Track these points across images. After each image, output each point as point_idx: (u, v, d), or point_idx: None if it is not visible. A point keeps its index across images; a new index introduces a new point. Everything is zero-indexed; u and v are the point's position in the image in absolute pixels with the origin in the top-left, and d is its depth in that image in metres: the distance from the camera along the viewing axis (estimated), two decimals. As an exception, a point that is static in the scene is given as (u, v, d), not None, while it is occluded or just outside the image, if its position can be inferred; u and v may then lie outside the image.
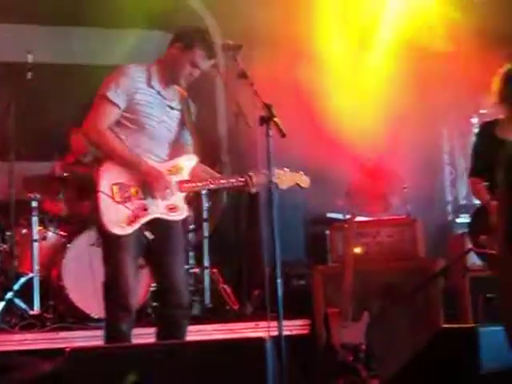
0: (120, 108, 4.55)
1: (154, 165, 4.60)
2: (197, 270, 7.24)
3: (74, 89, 7.89)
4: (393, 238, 6.44)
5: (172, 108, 4.73)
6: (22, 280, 6.60)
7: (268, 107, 4.21)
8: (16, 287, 6.50)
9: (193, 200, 7.23)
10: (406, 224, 6.48)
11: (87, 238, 6.50)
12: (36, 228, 6.64)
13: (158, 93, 4.65)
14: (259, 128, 4.28)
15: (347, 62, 8.16)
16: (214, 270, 7.24)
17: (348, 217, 6.15)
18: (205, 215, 7.24)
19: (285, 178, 4.80)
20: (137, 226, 4.48)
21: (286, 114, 4.50)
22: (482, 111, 8.83)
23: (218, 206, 8.24)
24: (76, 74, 8.01)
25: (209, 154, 7.83)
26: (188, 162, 4.74)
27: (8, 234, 6.72)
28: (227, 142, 8.47)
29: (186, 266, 7.18)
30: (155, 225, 4.57)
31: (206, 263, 7.23)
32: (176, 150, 4.79)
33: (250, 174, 4.65)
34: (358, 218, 6.17)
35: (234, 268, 7.28)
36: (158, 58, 4.78)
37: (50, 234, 6.81)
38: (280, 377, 3.74)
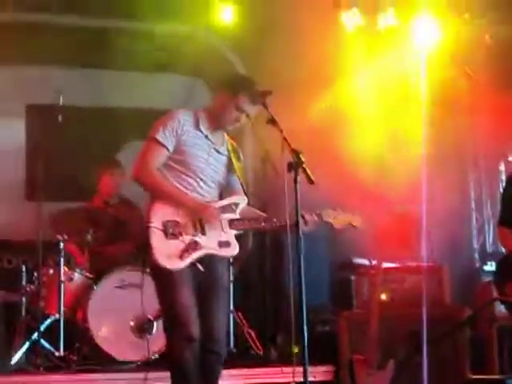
0: (169, 150, 4.69)
1: (201, 200, 4.71)
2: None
3: (102, 131, 8.00)
4: (419, 284, 6.40)
5: (219, 152, 4.87)
6: (48, 321, 6.62)
7: (296, 154, 4.24)
8: (42, 328, 6.51)
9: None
10: (433, 271, 6.44)
11: (113, 279, 6.53)
12: (63, 269, 6.67)
13: (206, 137, 4.79)
14: (287, 174, 4.30)
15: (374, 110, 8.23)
16: (239, 314, 7.22)
17: (374, 263, 6.13)
18: (230, 259, 7.24)
19: (338, 218, 4.98)
20: (188, 261, 4.55)
21: (311, 158, 4.53)
22: (510, 159, 8.84)
23: (244, 249, 8.24)
24: (104, 116, 8.11)
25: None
26: (239, 202, 4.87)
27: (35, 274, 6.75)
28: (253, 187, 8.48)
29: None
30: (206, 262, 4.63)
31: (231, 307, 7.22)
32: (225, 194, 4.93)
33: (302, 213, 4.67)
34: (385, 264, 6.14)
35: (259, 312, 7.26)
36: (206, 106, 4.93)
37: (77, 276, 6.82)
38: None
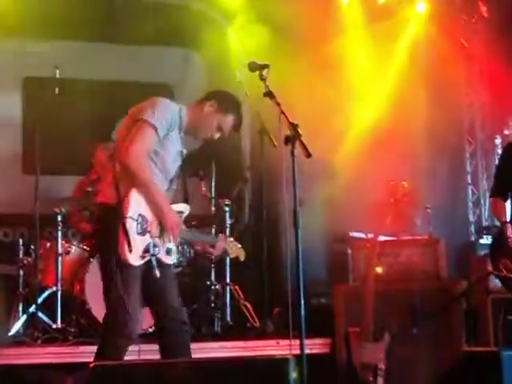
0: (159, 139, 4.62)
1: (172, 208, 4.70)
2: (218, 287, 7.26)
3: (100, 105, 7.98)
4: (415, 258, 6.42)
5: (181, 154, 4.85)
6: (45, 293, 6.65)
7: (294, 127, 4.21)
8: (39, 300, 6.54)
9: (215, 217, 7.27)
10: (428, 244, 6.47)
11: (110, 252, 6.54)
12: (60, 242, 6.68)
13: (181, 137, 4.79)
14: (284, 147, 4.28)
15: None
16: (236, 287, 7.26)
17: (370, 236, 6.14)
18: (227, 232, 7.26)
19: (233, 249, 5.31)
20: (146, 259, 4.52)
21: (311, 128, 4.55)
22: (506, 132, 8.86)
23: (240, 222, 8.27)
24: (102, 90, 8.08)
25: (231, 171, 7.93)
26: (185, 211, 4.90)
27: (32, 247, 6.77)
28: (250, 160, 8.50)
29: (208, 282, 7.23)
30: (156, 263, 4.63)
31: (227, 280, 7.25)
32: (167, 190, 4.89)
33: (220, 237, 5.13)
34: (381, 238, 6.15)
35: (255, 285, 7.29)
36: (190, 104, 4.88)
37: (74, 249, 6.84)
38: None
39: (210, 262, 7.28)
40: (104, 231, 4.55)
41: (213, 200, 7.43)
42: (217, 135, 4.88)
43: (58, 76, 6.73)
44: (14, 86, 8.09)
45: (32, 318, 6.50)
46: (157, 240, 4.58)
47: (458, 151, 8.94)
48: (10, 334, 6.43)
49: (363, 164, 7.61)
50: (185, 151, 4.86)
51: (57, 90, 6.68)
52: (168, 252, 4.69)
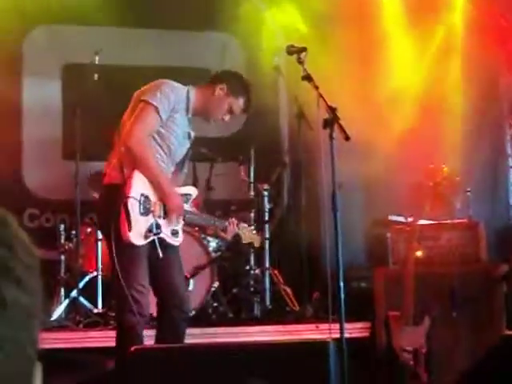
0: (163, 121, 4.63)
1: (175, 189, 4.71)
2: (257, 271, 7.27)
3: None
4: (454, 241, 6.39)
5: (189, 137, 4.86)
6: (86, 278, 6.72)
7: (332, 110, 4.21)
8: (80, 285, 6.61)
9: (254, 202, 7.28)
10: (468, 228, 6.42)
11: (150, 237, 6.58)
12: (99, 225, 6.73)
13: (188, 119, 4.79)
14: (322, 130, 4.28)
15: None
16: (275, 271, 7.27)
17: (410, 220, 6.12)
18: (266, 217, 7.27)
19: (246, 234, 5.19)
20: (150, 239, 4.54)
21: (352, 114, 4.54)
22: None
23: (279, 207, 8.27)
24: (142, 76, 8.10)
25: (270, 155, 7.93)
26: (192, 193, 4.93)
27: (73, 232, 6.84)
28: (288, 144, 8.49)
29: (247, 267, 7.26)
30: (160, 243, 4.64)
31: (267, 264, 7.26)
32: (176, 174, 4.92)
33: (230, 220, 4.97)
34: (420, 221, 6.12)
35: (295, 270, 7.29)
36: (200, 86, 4.88)
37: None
38: (342, 380, 3.75)
39: (248, 245, 7.30)
40: (106, 210, 4.60)
41: (252, 185, 7.44)
42: (227, 118, 4.88)
43: (97, 62, 6.77)
44: (54, 72, 8.14)
45: (74, 302, 6.57)
46: (160, 220, 4.60)
47: (498, 133, 8.85)
48: (52, 318, 6.51)
49: (403, 147, 7.57)
50: (193, 133, 4.86)
51: (96, 76, 6.72)
52: (174, 233, 4.72)
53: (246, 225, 5.26)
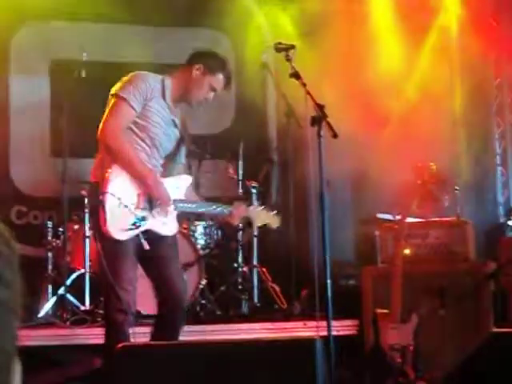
0: (136, 112, 4.57)
1: (160, 179, 4.64)
2: (245, 269, 7.27)
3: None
4: (442, 239, 6.39)
5: (175, 125, 4.79)
6: (74, 275, 6.70)
7: (320, 107, 4.20)
8: (68, 282, 6.58)
9: (242, 199, 7.27)
10: (457, 226, 6.43)
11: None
12: (88, 224, 6.72)
13: (168, 106, 4.70)
14: (310, 128, 4.27)
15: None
16: (263, 269, 7.26)
17: (398, 218, 6.12)
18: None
19: (260, 216, 5.04)
20: (134, 233, 4.50)
21: (339, 113, 4.52)
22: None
23: (268, 204, 8.26)
24: (130, 72, 8.08)
25: (258, 153, 7.92)
26: (185, 183, 4.85)
27: (60, 229, 6.82)
28: (277, 142, 8.48)
29: (235, 265, 7.25)
30: (148, 235, 4.59)
31: (255, 262, 7.26)
32: (168, 165, 4.85)
33: (235, 204, 4.86)
34: (408, 219, 6.13)
35: (283, 267, 7.29)
36: (172, 73, 4.84)
37: (102, 230, 6.87)
38: (329, 377, 3.75)
39: (237, 243, 7.29)
40: (90, 208, 4.65)
41: (240, 182, 7.43)
42: (210, 96, 4.80)
43: (85, 59, 6.74)
44: (42, 69, 8.12)
45: (61, 299, 6.55)
46: (145, 212, 4.54)
47: (487, 132, 8.87)
48: (39, 315, 6.49)
49: (391, 145, 7.58)
50: (177, 120, 4.79)
51: (83, 72, 6.70)
52: (164, 224, 4.65)
53: (261, 207, 5.16)
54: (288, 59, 4.50)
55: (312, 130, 4.24)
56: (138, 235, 4.52)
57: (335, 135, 4.16)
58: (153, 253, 4.60)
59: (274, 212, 5.15)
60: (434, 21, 8.58)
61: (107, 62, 7.99)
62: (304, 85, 4.32)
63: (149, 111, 4.59)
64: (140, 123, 4.59)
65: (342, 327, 6.28)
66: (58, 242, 6.84)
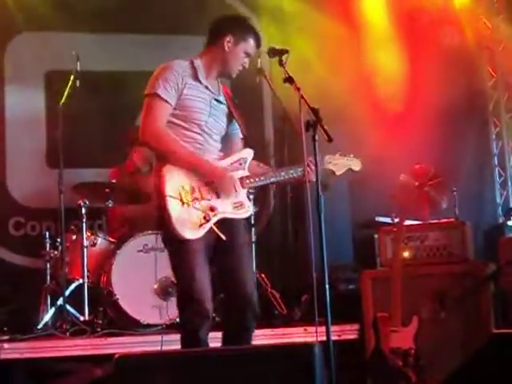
0: (171, 105, 4.45)
1: (214, 162, 4.50)
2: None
3: (122, 96, 7.98)
4: (441, 241, 6.38)
5: (219, 102, 4.64)
6: (73, 286, 6.67)
7: (315, 112, 4.17)
8: (66, 293, 6.56)
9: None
10: (455, 227, 6.41)
11: (136, 243, 6.55)
12: (86, 234, 6.70)
13: (206, 87, 4.56)
14: (305, 133, 4.23)
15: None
16: (262, 275, 7.24)
17: (397, 220, 6.10)
18: (252, 220, 7.23)
19: (339, 164, 4.78)
20: (207, 227, 4.36)
21: (334, 117, 4.50)
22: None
23: (266, 210, 8.24)
24: (125, 81, 8.08)
25: (255, 157, 7.89)
26: (246, 157, 4.64)
27: (58, 240, 6.80)
28: (274, 146, 8.47)
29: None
30: (221, 225, 4.44)
31: (254, 268, 7.23)
32: (226, 144, 4.70)
33: (309, 161, 4.43)
34: (407, 222, 6.11)
35: (282, 273, 7.28)
36: (204, 50, 4.71)
37: (100, 240, 6.86)
38: (329, 382, 3.73)
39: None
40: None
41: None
42: (247, 63, 4.65)
43: (79, 69, 6.73)
44: (37, 79, 8.11)
45: (60, 310, 6.53)
46: (213, 201, 4.42)
47: (483, 133, 8.88)
48: (38, 327, 6.47)
49: (388, 148, 7.57)
50: (221, 97, 4.64)
51: (78, 82, 6.69)
52: (236, 207, 4.50)
53: (332, 155, 4.81)
54: (281, 64, 4.46)
55: (307, 134, 4.21)
56: (212, 229, 4.37)
57: (330, 139, 4.13)
58: (227, 245, 4.44)
59: (351, 155, 4.90)
60: (429, 20, 8.58)
61: (102, 71, 7.98)
62: (298, 89, 4.29)
63: (186, 100, 4.48)
64: (181, 114, 4.48)
65: (342, 332, 6.27)
66: (56, 252, 6.81)
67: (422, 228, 6.44)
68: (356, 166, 4.91)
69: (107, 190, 6.90)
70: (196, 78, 4.55)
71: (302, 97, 4.23)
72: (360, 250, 7.68)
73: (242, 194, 4.55)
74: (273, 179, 4.65)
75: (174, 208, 4.30)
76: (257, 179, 4.61)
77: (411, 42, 8.39)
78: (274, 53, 4.52)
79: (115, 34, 8.25)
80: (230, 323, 4.61)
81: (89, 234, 6.78)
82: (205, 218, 4.35)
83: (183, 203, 4.34)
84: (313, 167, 4.37)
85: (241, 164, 4.61)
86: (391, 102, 8.19)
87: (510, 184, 8.91)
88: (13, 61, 8.06)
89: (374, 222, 7.41)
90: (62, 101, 6.70)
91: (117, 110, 7.94)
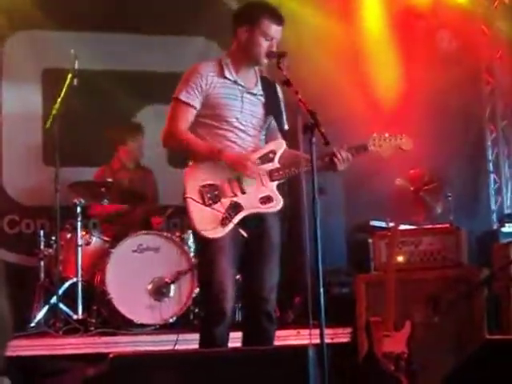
0: (195, 108, 4.48)
1: (238, 153, 4.46)
2: (238, 277, 7.23)
3: (118, 95, 7.98)
4: (436, 246, 6.38)
5: (253, 94, 4.60)
6: (66, 285, 6.67)
7: (313, 115, 4.17)
8: (60, 291, 6.55)
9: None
10: (450, 232, 6.42)
11: (130, 243, 6.55)
12: (80, 233, 6.70)
13: (235, 82, 4.54)
14: (302, 135, 4.22)
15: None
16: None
17: (391, 225, 6.11)
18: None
19: (385, 145, 4.63)
20: (230, 226, 4.35)
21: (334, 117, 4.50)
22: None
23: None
24: (120, 80, 8.08)
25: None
26: (276, 148, 4.56)
27: (53, 238, 6.79)
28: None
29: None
30: (250, 221, 4.43)
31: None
32: (266, 137, 4.67)
33: (335, 150, 4.40)
34: (402, 227, 6.12)
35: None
36: (229, 49, 4.69)
37: (94, 239, 6.87)
38: (322, 385, 3.73)
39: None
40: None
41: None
42: (272, 45, 4.50)
43: (76, 67, 6.73)
44: (34, 77, 8.10)
45: (53, 309, 6.51)
46: (239, 198, 4.40)
47: (479, 139, 8.89)
48: (31, 325, 6.47)
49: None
50: (255, 89, 4.59)
51: (75, 81, 6.69)
52: (264, 201, 4.46)
53: (378, 135, 4.66)
54: (279, 66, 4.46)
55: (304, 137, 4.20)
56: (236, 228, 4.36)
57: (327, 143, 4.14)
58: (257, 243, 4.45)
59: (402, 135, 4.73)
60: (425, 27, 8.60)
61: (99, 70, 7.98)
62: (296, 92, 4.29)
63: (214, 98, 4.48)
64: (211, 114, 4.49)
65: (335, 335, 6.27)
66: (50, 250, 6.80)
67: (417, 233, 6.45)
68: (407, 145, 4.71)
69: (103, 188, 6.93)
70: (222, 75, 4.53)
71: (300, 100, 4.24)
72: (354, 253, 7.68)
73: (271, 187, 4.49)
74: (301, 170, 4.44)
75: (194, 209, 4.34)
76: (287, 170, 4.52)
77: (408, 47, 8.40)
78: (272, 55, 4.52)
79: (113, 34, 8.24)
80: (247, 323, 4.68)
81: (83, 232, 6.79)
82: (229, 215, 4.34)
83: (203, 203, 4.35)
84: (339, 156, 4.40)
85: (270, 156, 4.53)
86: (387, 107, 8.20)
87: (504, 190, 8.92)
88: (10, 59, 8.04)
89: (368, 226, 7.41)
90: (59, 99, 6.69)
91: (114, 109, 7.94)
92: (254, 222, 4.47)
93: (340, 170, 4.49)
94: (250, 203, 4.42)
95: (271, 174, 4.50)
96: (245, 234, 4.38)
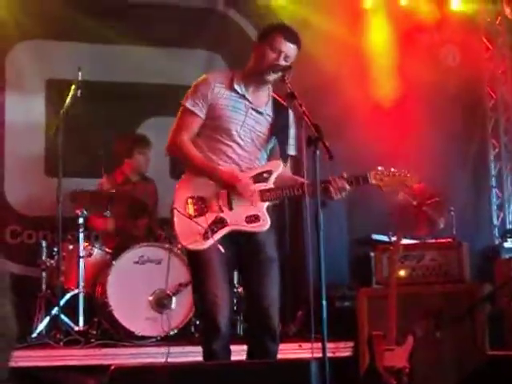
0: (200, 117, 4.47)
1: (231, 171, 4.43)
2: (240, 290, 7.22)
3: (121, 107, 7.99)
4: (438, 261, 6.38)
5: (259, 112, 4.56)
6: (68, 296, 6.66)
7: (317, 128, 4.15)
8: (61, 303, 6.54)
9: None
10: (452, 247, 6.42)
11: (132, 255, 6.55)
12: (82, 244, 6.70)
13: (243, 96, 4.51)
14: (305, 148, 4.21)
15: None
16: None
17: (394, 239, 6.11)
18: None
19: (388, 180, 4.52)
20: (212, 240, 4.31)
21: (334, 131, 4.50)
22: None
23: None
24: (124, 92, 8.08)
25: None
26: (272, 169, 4.50)
27: (55, 249, 6.78)
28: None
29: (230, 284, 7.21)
30: (238, 238, 4.41)
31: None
32: (269, 156, 4.63)
33: (330, 179, 4.38)
34: (404, 241, 6.12)
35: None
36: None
37: (96, 251, 6.87)
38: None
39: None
40: None
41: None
42: (281, 60, 4.44)
43: (80, 78, 6.74)
44: (37, 88, 8.10)
45: (54, 320, 6.50)
46: (224, 214, 4.36)
47: (481, 154, 8.89)
48: (32, 336, 6.45)
49: (386, 166, 7.56)
50: (262, 108, 4.54)
51: (79, 92, 6.70)
52: (249, 220, 4.39)
53: (381, 169, 4.53)
54: (283, 80, 4.45)
55: (308, 150, 4.19)
56: (233, 240, 4.37)
57: (331, 157, 4.11)
58: (248, 260, 4.44)
59: (405, 171, 4.54)
60: (429, 42, 8.62)
61: (103, 81, 7.99)
62: (300, 105, 4.28)
63: (217, 109, 4.47)
64: (212, 124, 4.48)
65: (337, 349, 6.25)
66: (52, 261, 6.80)
67: (419, 247, 6.45)
68: (411, 181, 4.57)
69: (105, 199, 6.93)
70: (231, 87, 4.52)
71: (304, 113, 4.23)
72: (356, 267, 7.67)
73: (260, 207, 4.42)
74: (295, 193, 4.44)
75: (178, 221, 4.36)
76: (279, 192, 4.46)
77: (411, 61, 8.41)
78: (277, 68, 4.51)
79: (116, 45, 8.25)
80: (250, 342, 4.62)
81: (85, 244, 6.78)
82: (210, 230, 4.32)
83: (187, 216, 4.35)
84: (335, 185, 4.38)
85: (265, 176, 4.49)
86: (390, 120, 8.21)
87: (507, 205, 8.92)
88: (13, 69, 8.04)
89: (370, 240, 7.41)
90: (63, 110, 6.70)
91: (117, 121, 7.95)
92: (243, 239, 4.44)
93: (336, 199, 4.42)
94: (235, 220, 4.39)
95: (262, 194, 4.44)
96: (222, 250, 4.32)
